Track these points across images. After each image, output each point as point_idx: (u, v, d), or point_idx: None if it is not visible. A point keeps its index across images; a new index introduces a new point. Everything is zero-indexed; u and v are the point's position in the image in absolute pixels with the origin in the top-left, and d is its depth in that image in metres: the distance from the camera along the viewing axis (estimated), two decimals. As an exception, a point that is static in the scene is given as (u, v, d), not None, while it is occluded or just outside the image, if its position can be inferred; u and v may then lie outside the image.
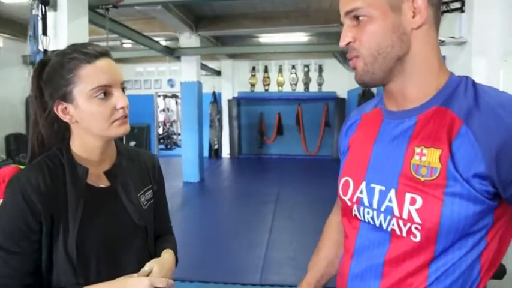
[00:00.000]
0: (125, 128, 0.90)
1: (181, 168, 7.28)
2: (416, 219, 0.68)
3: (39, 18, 3.00)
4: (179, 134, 12.34)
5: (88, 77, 0.85)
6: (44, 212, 0.82)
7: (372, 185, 0.76)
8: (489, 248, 0.69)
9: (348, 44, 0.74)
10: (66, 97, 0.86)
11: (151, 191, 1.04)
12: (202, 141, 7.35)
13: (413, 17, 0.71)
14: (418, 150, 0.70)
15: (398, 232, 0.71)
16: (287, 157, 10.18)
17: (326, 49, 7.84)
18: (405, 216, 0.69)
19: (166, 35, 7.10)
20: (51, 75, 0.87)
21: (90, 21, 3.58)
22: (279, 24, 6.49)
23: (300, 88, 10.22)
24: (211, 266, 3.47)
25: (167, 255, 1.01)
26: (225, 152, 10.50)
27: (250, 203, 5.65)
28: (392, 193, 0.72)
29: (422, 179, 0.68)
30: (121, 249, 0.93)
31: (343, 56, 8.19)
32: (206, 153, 9.65)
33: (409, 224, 0.69)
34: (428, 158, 0.68)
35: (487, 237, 0.68)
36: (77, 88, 0.85)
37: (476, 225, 0.67)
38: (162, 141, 12.07)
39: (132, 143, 10.19)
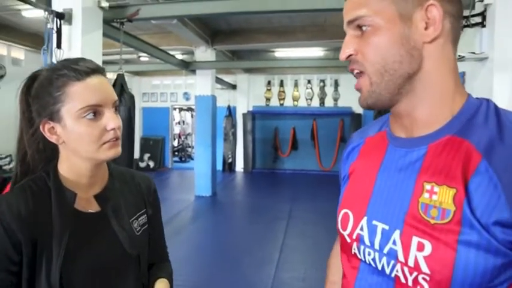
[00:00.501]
0: (115, 151, 0.83)
1: (194, 182, 7.23)
2: (424, 268, 0.58)
3: (54, 31, 3.03)
4: (194, 147, 12.38)
5: (77, 96, 0.79)
6: (25, 241, 0.75)
7: (374, 222, 0.66)
8: None
9: (348, 57, 0.65)
10: (53, 116, 0.80)
11: (145, 215, 0.96)
12: (215, 155, 7.31)
13: (426, 28, 0.61)
14: (428, 186, 0.60)
15: (403, 280, 0.61)
16: (301, 172, 10.05)
17: (342, 64, 7.72)
18: (411, 263, 0.59)
19: (182, 49, 7.16)
20: (39, 91, 0.82)
21: (105, 35, 3.61)
22: (295, 39, 6.47)
23: (316, 103, 10.13)
24: (219, 283, 3.37)
25: (161, 285, 0.93)
26: (239, 166, 10.44)
27: (262, 219, 5.53)
28: (396, 234, 0.62)
29: (432, 221, 0.58)
30: (110, 281, 0.85)
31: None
32: (220, 167, 9.60)
33: (415, 273, 0.59)
34: (439, 198, 0.58)
35: None
36: (65, 107, 0.79)
37: (497, 278, 0.56)
38: (176, 153, 12.11)
39: (147, 155, 10.25)
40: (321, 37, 6.34)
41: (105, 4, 3.36)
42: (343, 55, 0.65)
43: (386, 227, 0.64)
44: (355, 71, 0.66)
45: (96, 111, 0.80)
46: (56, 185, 0.82)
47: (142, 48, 5.16)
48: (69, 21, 3.16)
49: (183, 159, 12.15)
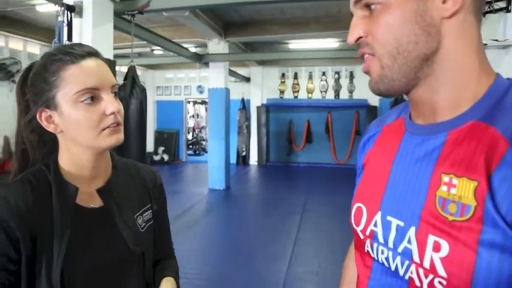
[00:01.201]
0: (117, 138, 0.78)
1: (207, 175, 7.23)
2: (441, 271, 0.51)
3: (65, 24, 3.03)
4: (208, 140, 12.41)
5: (73, 79, 0.74)
6: (24, 239, 0.71)
7: (389, 218, 0.60)
8: None
9: (358, 39, 0.58)
10: (49, 103, 0.76)
11: (150, 211, 0.91)
12: (229, 148, 7.28)
13: (444, 2, 0.53)
14: (446, 179, 0.53)
15: (418, 283, 0.54)
16: (316, 165, 9.95)
17: (357, 55, 7.57)
18: (427, 265, 0.53)
19: (195, 42, 7.12)
20: (34, 79, 0.78)
21: (117, 28, 3.59)
22: (308, 30, 6.35)
23: (330, 95, 9.98)
24: (232, 277, 3.34)
25: (168, 284, 0.89)
26: (253, 159, 10.40)
27: (276, 213, 5.49)
28: (411, 232, 0.55)
29: (450, 218, 0.51)
30: (113, 280, 0.81)
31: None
32: (234, 160, 9.59)
33: (431, 276, 0.52)
34: (459, 191, 0.51)
35: None
36: (60, 92, 0.75)
37: None
38: (191, 147, 12.15)
39: (161, 149, 10.31)
40: (335, 28, 6.20)
41: (115, -4, 3.33)
42: (351, 38, 0.58)
43: (402, 224, 0.57)
44: (366, 55, 0.59)
45: (93, 95, 0.75)
46: (56, 178, 0.78)
47: (155, 41, 5.14)
48: (80, 14, 3.15)
49: (197, 152, 12.18)
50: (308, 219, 5.18)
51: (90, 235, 0.79)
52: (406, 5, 0.54)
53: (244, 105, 10.13)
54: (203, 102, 13.21)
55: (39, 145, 0.82)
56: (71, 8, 3.07)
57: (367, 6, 0.57)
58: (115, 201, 0.84)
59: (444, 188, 0.53)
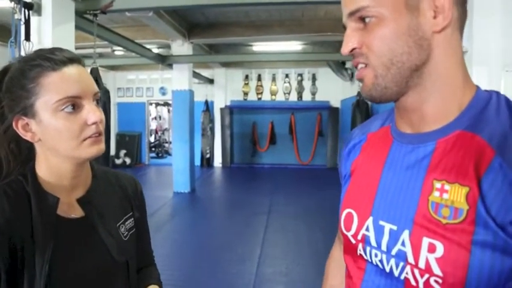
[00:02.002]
0: (98, 148, 0.76)
1: (172, 178, 7.11)
2: (436, 270, 0.55)
3: (22, 22, 2.87)
4: (171, 143, 12.19)
5: (53, 87, 0.71)
6: (3, 255, 0.67)
7: (381, 223, 0.63)
8: None
9: (352, 50, 0.61)
10: (27, 111, 0.72)
11: (132, 219, 0.89)
12: (193, 151, 7.21)
13: (435, 17, 0.58)
14: (438, 185, 0.57)
15: (413, 282, 0.58)
16: (280, 166, 10.06)
17: (320, 58, 7.78)
18: (422, 265, 0.56)
19: (158, 43, 6.98)
20: (10, 85, 0.73)
21: (78, 27, 3.45)
22: (272, 33, 6.41)
23: (293, 97, 10.14)
24: (201, 281, 3.32)
25: None
26: (217, 161, 10.36)
27: (242, 215, 5.50)
28: (405, 235, 0.59)
29: (444, 221, 0.55)
30: None
31: (337, 65, 8.14)
32: (198, 162, 9.50)
33: (426, 275, 0.56)
34: (451, 196, 0.55)
35: None
36: (40, 100, 0.71)
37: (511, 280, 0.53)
38: (153, 149, 11.89)
39: (123, 152, 10.02)
40: (299, 31, 6.31)
41: (77, -6, 3.21)
42: (345, 49, 0.61)
43: (395, 228, 0.60)
44: (360, 65, 0.62)
45: (75, 103, 0.72)
46: (35, 189, 0.74)
47: (117, 42, 4.99)
48: (39, 12, 3.00)
49: (160, 155, 11.94)
50: (274, 220, 5.23)
51: (72, 247, 0.76)
52: (400, 20, 0.57)
53: (208, 107, 10.07)
54: (165, 104, 12.98)
55: (15, 154, 0.77)
56: (28, 6, 2.92)
57: (361, 19, 0.60)
58: (96, 211, 0.81)
59: (436, 193, 0.57)
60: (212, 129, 10.21)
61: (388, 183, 0.64)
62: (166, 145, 12.71)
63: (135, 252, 0.90)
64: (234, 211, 5.86)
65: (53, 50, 0.74)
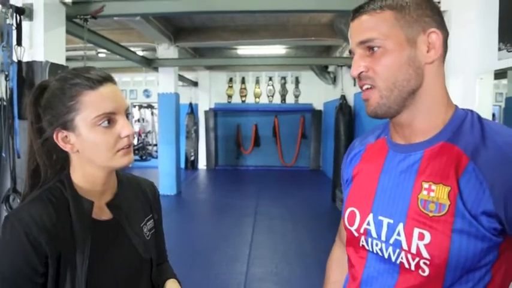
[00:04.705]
0: (129, 158, 0.85)
1: (158, 181, 7.12)
2: (425, 254, 0.68)
3: (14, 27, 2.89)
4: (155, 145, 12.11)
5: (92, 104, 0.79)
6: (51, 252, 0.76)
7: (380, 218, 0.76)
8: (494, 280, 0.70)
9: (360, 73, 0.73)
10: (67, 125, 0.80)
11: (152, 220, 0.99)
12: (179, 154, 7.24)
13: (428, 51, 0.71)
14: (426, 185, 0.70)
15: (407, 265, 0.71)
16: (264, 168, 10.18)
17: (304, 62, 7.97)
18: (413, 250, 0.69)
19: (143, 46, 6.99)
20: (51, 101, 0.81)
21: (67, 32, 3.48)
22: (258, 37, 6.53)
23: (277, 100, 10.29)
24: (192, 282, 3.38)
25: (174, 285, 0.98)
26: (202, 163, 10.39)
27: (229, 216, 5.58)
28: (400, 227, 0.72)
29: (431, 214, 0.68)
30: (130, 285, 0.88)
31: (319, 69, 8.33)
32: (182, 165, 9.51)
33: (417, 259, 0.69)
34: (436, 194, 0.68)
35: (492, 270, 0.69)
36: (79, 116, 0.79)
37: (482, 260, 0.67)
38: (136, 152, 11.80)
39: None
40: (284, 35, 6.44)
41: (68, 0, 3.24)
42: (355, 72, 0.74)
43: (391, 221, 0.73)
44: (365, 86, 0.74)
45: (110, 118, 0.81)
46: (73, 194, 0.82)
47: (104, 45, 5.01)
48: (30, 17, 3.02)
49: (144, 157, 11.87)
50: (261, 221, 5.34)
51: (106, 246, 0.85)
52: (403, 52, 0.71)
53: (192, 109, 10.10)
54: (149, 107, 12.91)
55: (51, 163, 0.85)
56: (20, 11, 2.94)
57: (369, 48, 0.72)
58: (123, 213, 0.90)
59: (425, 192, 0.70)
60: (196, 132, 10.25)
61: (385, 185, 0.77)
62: (150, 148, 12.63)
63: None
64: (221, 213, 5.93)
65: (88, 69, 0.82)
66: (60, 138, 0.82)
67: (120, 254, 0.86)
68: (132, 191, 0.97)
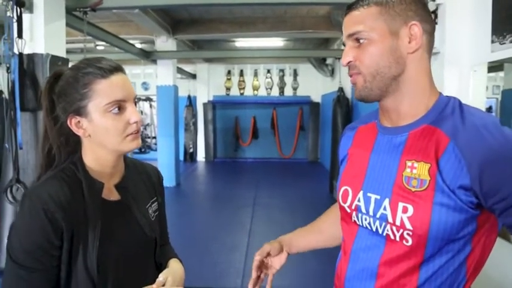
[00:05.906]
0: (137, 143, 0.91)
1: (157, 173, 7.18)
2: (408, 226, 0.75)
3: (14, 20, 2.92)
4: (153, 138, 12.13)
5: (104, 92, 0.85)
6: (66, 228, 0.82)
7: (369, 194, 0.83)
8: (474, 252, 0.76)
9: (348, 62, 0.81)
10: (80, 111, 0.86)
11: (156, 203, 1.05)
12: (178, 146, 7.30)
13: (409, 42, 0.78)
14: (409, 163, 0.78)
15: (392, 237, 0.78)
16: (262, 160, 10.26)
17: (302, 54, 7.98)
18: (398, 223, 0.76)
19: (141, 38, 7.00)
20: (65, 88, 0.87)
21: (67, 25, 3.50)
22: (255, 29, 6.55)
23: (275, 92, 10.33)
24: (191, 271, 3.44)
25: (177, 264, 1.04)
26: (200, 155, 10.46)
27: (228, 207, 5.66)
28: (386, 202, 0.79)
29: (413, 189, 0.75)
30: (137, 262, 0.94)
31: (317, 61, 8.36)
32: (181, 157, 9.57)
33: (401, 230, 0.76)
34: (418, 171, 0.76)
35: (471, 242, 0.76)
36: (92, 103, 0.85)
37: (461, 231, 0.74)
38: (135, 144, 11.82)
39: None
40: (282, 28, 6.46)
41: (67, -8, 3.26)
42: (344, 61, 0.81)
43: (378, 197, 0.81)
44: (354, 73, 0.81)
45: (120, 106, 0.87)
46: (85, 176, 0.89)
47: (103, 38, 5.04)
48: (30, 10, 3.05)
49: (143, 150, 11.90)
50: (260, 211, 5.41)
51: (115, 225, 0.91)
52: (385, 42, 0.78)
53: (191, 102, 10.13)
54: (147, 99, 12.92)
55: (64, 147, 0.91)
56: (20, 3, 2.96)
57: (357, 40, 0.80)
58: (130, 195, 0.97)
59: (408, 169, 0.78)
60: (195, 124, 10.29)
61: (374, 165, 0.85)
62: (149, 140, 12.66)
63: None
64: (220, 204, 6.01)
65: (100, 60, 0.88)
66: (73, 123, 0.88)
67: (127, 232, 0.93)
68: (138, 175, 1.03)
